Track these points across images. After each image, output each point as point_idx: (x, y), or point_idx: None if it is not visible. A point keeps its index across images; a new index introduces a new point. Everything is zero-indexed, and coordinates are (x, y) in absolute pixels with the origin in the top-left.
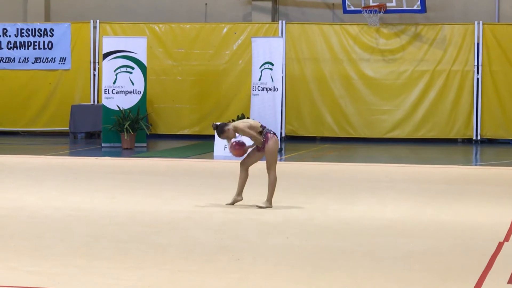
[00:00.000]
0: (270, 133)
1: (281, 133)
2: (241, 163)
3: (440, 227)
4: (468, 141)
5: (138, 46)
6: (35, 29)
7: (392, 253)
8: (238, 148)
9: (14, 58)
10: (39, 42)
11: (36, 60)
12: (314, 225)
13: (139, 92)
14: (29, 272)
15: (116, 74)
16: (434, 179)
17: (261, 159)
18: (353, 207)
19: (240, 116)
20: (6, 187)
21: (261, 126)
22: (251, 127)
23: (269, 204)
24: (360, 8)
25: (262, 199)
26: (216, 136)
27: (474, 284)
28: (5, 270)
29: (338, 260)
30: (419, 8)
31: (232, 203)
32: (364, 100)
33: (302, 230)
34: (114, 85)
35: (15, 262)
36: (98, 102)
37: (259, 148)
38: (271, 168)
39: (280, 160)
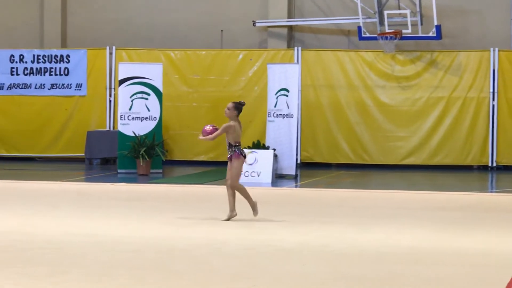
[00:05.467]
0: (238, 153)
1: (296, 160)
2: (226, 183)
3: (456, 255)
4: (484, 168)
5: (153, 73)
6: (51, 55)
7: (409, 281)
8: (208, 132)
9: (31, 84)
10: (56, 68)
11: (53, 86)
12: (330, 252)
13: (154, 118)
14: None
15: (132, 100)
16: (450, 206)
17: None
18: (369, 234)
19: (255, 142)
20: (22, 213)
21: (238, 143)
22: (231, 131)
23: (254, 210)
24: (375, 35)
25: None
26: None
27: None
28: None
29: (355, 287)
30: (435, 35)
31: (228, 219)
32: (380, 127)
33: (318, 257)
34: (130, 111)
35: None
36: (114, 128)
37: (231, 158)
38: (232, 182)
39: (296, 186)
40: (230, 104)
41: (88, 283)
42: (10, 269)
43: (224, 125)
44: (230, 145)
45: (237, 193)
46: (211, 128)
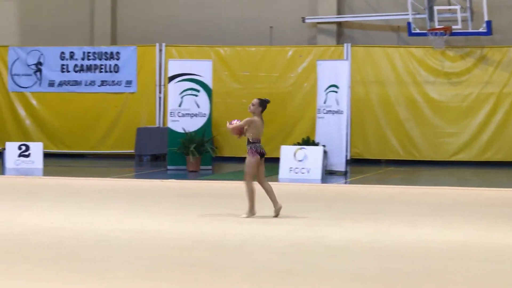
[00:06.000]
0: (253, 150)
1: (346, 156)
2: (257, 181)
3: (507, 251)
4: None
5: (203, 69)
6: (101, 52)
7: (459, 277)
8: (235, 129)
9: (81, 81)
10: (106, 65)
11: (103, 83)
12: (379, 248)
13: (204, 115)
14: None
15: (182, 97)
16: (500, 203)
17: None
18: (419, 230)
19: (305, 139)
20: (73, 209)
21: (257, 140)
22: (253, 126)
23: (250, 214)
24: (425, 31)
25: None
26: (282, 159)
27: None
28: None
29: (404, 283)
30: (485, 30)
31: (276, 215)
32: (430, 123)
33: (367, 253)
34: (179, 107)
35: (80, 285)
36: (163, 125)
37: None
38: (245, 179)
39: (346, 182)
40: (255, 100)
41: (138, 279)
42: (59, 265)
43: (248, 118)
44: (248, 141)
45: (272, 187)
46: (237, 122)
